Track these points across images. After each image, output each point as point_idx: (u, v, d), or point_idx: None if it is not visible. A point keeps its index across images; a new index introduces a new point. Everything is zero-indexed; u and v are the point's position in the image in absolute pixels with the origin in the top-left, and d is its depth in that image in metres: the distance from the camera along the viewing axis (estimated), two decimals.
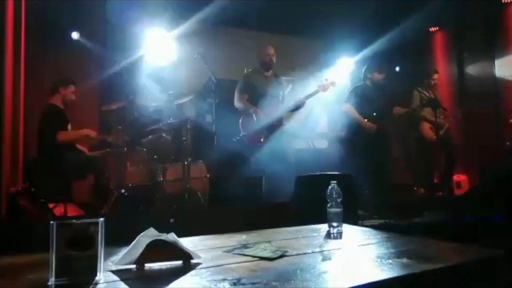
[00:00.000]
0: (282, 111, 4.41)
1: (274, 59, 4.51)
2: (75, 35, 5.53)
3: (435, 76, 5.32)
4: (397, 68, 5.31)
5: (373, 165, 4.40)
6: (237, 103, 4.49)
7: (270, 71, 4.56)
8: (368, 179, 4.35)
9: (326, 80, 4.67)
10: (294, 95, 4.67)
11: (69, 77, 4.28)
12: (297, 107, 4.45)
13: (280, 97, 4.51)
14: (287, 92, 4.76)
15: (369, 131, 4.50)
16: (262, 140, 4.31)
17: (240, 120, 4.43)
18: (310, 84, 4.81)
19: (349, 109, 4.63)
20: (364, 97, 4.54)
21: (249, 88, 4.43)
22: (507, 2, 6.05)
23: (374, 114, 4.52)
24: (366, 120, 4.52)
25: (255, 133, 4.32)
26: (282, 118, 4.46)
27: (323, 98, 7.32)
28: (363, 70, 4.85)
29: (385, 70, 4.59)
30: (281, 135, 4.41)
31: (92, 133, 4.14)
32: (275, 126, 4.35)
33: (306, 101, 4.45)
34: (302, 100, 4.41)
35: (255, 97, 4.41)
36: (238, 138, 4.52)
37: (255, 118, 4.31)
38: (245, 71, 4.76)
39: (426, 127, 5.17)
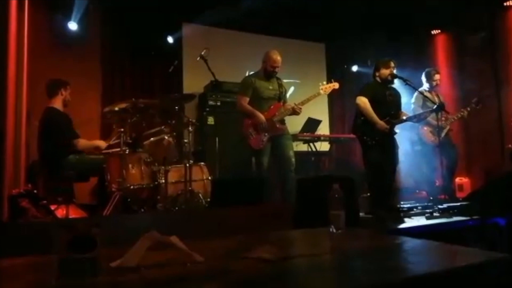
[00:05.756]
0: (283, 114, 4.41)
1: (279, 68, 4.47)
2: (73, 25, 5.58)
3: (437, 76, 5.29)
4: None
5: (382, 167, 4.30)
6: (238, 106, 4.49)
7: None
8: (373, 181, 4.33)
9: (328, 82, 4.65)
10: (296, 98, 4.64)
11: (68, 78, 4.28)
12: (292, 113, 4.43)
13: (281, 100, 4.51)
14: (288, 94, 4.76)
15: (382, 131, 4.25)
16: (264, 142, 4.31)
17: (242, 123, 4.43)
18: (313, 86, 4.78)
19: (364, 102, 4.28)
20: (375, 94, 4.37)
21: (251, 91, 4.43)
22: (509, 5, 6.06)
23: (392, 113, 4.36)
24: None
25: (257, 136, 4.33)
26: (284, 120, 4.46)
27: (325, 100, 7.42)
28: (372, 67, 4.75)
29: (392, 65, 4.46)
30: (283, 137, 4.41)
31: (103, 145, 4.19)
32: (277, 129, 4.35)
33: (302, 107, 4.40)
34: (296, 108, 4.37)
35: (256, 100, 4.41)
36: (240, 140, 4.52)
37: (256, 121, 4.32)
38: (247, 74, 4.76)
39: (426, 130, 5.15)
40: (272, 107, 4.41)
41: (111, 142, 4.24)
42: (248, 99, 4.41)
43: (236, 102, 4.58)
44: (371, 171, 4.30)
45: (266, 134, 4.31)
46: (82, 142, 4.06)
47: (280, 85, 4.55)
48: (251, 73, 4.75)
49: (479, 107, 5.17)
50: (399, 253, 1.53)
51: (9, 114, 3.50)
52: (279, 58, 4.45)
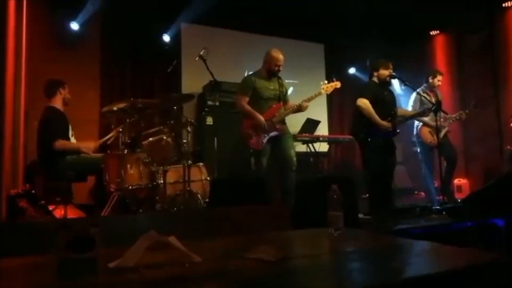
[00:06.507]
0: (284, 114, 4.38)
1: (282, 66, 4.42)
2: (74, 25, 5.59)
3: (439, 77, 5.30)
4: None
5: (383, 168, 4.30)
6: (238, 106, 4.46)
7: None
8: (373, 182, 4.32)
9: (329, 81, 4.60)
10: (294, 98, 4.61)
11: (67, 78, 4.26)
12: (298, 110, 4.40)
13: (281, 100, 4.47)
14: (288, 95, 4.72)
15: (385, 132, 4.23)
16: (263, 143, 4.29)
17: (242, 124, 4.41)
18: (312, 87, 4.76)
19: (366, 104, 4.24)
20: (375, 95, 4.35)
21: (250, 91, 4.38)
22: (508, 6, 6.07)
23: (392, 112, 4.35)
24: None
25: (256, 137, 4.30)
26: (284, 120, 4.43)
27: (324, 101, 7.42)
28: (370, 67, 4.73)
29: (390, 66, 4.44)
30: (284, 138, 4.39)
31: (92, 145, 4.12)
32: (276, 130, 4.32)
33: (308, 104, 4.37)
34: (304, 104, 4.33)
35: (256, 100, 4.37)
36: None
37: (256, 122, 4.29)
38: (246, 74, 4.73)
39: (425, 131, 5.16)
40: (272, 107, 4.38)
41: (106, 140, 4.20)
42: (247, 99, 4.37)
43: (236, 102, 4.55)
44: (372, 172, 4.29)
45: (265, 135, 4.28)
46: (61, 143, 3.89)
47: (281, 85, 4.48)
48: (251, 72, 4.71)
49: (477, 110, 5.19)
50: (398, 254, 1.53)
51: (7, 114, 3.50)
52: (281, 56, 4.39)
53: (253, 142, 4.31)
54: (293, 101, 4.53)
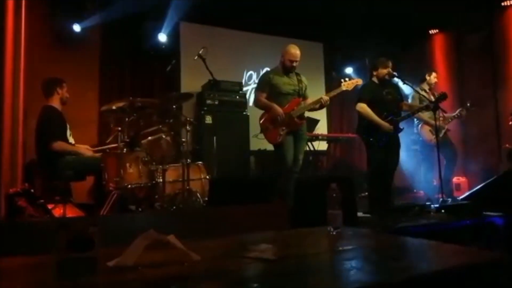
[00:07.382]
0: (303, 107, 4.30)
1: (297, 62, 4.33)
2: (77, 27, 5.58)
3: (434, 75, 5.31)
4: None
5: (385, 167, 4.29)
6: (256, 102, 4.43)
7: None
8: (374, 181, 4.32)
9: (350, 78, 4.52)
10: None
11: (66, 78, 4.25)
12: (318, 106, 4.32)
13: (301, 95, 4.39)
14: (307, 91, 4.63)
15: (387, 132, 4.24)
16: (281, 136, 4.18)
17: (261, 118, 4.34)
18: (311, 86, 4.71)
19: (364, 108, 4.29)
20: (374, 95, 4.34)
21: (267, 87, 4.32)
22: (507, 5, 6.08)
23: (395, 111, 4.34)
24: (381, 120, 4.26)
25: (274, 130, 4.22)
26: (303, 115, 4.36)
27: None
28: (369, 67, 4.71)
29: (389, 65, 4.42)
30: (301, 138, 4.33)
31: (88, 152, 4.11)
32: (295, 123, 4.23)
33: (328, 98, 4.28)
34: (325, 99, 4.25)
35: (275, 96, 4.29)
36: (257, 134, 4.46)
37: (273, 114, 4.20)
38: (245, 73, 4.71)
39: (425, 130, 5.17)
40: (291, 101, 4.28)
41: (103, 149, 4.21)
42: (265, 94, 4.30)
43: (254, 98, 4.51)
44: (374, 171, 4.29)
45: (284, 128, 4.18)
46: (59, 145, 3.89)
47: (300, 81, 4.40)
48: (270, 69, 4.66)
49: (473, 109, 5.20)
50: (397, 253, 1.54)
51: (6, 114, 3.49)
52: (298, 52, 4.30)
53: (270, 135, 4.25)
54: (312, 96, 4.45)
